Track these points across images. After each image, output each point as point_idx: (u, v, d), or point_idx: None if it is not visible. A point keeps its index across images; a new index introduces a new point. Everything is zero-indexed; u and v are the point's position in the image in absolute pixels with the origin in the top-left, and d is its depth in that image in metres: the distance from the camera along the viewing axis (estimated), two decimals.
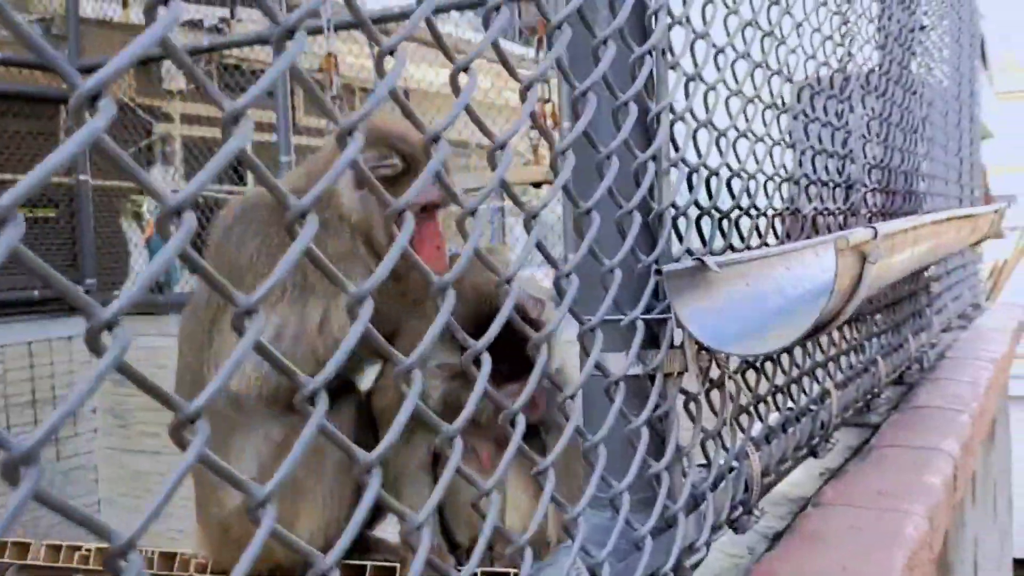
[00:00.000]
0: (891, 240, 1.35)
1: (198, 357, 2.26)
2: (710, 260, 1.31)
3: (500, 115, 5.64)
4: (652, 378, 1.28)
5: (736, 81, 1.60)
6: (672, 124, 1.37)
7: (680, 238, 1.37)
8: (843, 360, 2.22)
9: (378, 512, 2.23)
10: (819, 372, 2.03)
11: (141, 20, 0.68)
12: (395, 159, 2.10)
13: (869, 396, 2.49)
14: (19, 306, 5.66)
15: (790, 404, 1.86)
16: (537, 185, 5.14)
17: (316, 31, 4.78)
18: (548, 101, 4.55)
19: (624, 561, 1.19)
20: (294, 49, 0.71)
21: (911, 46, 2.98)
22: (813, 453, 2.04)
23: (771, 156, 1.76)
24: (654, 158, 1.26)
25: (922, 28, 3.16)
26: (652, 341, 1.28)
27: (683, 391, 1.37)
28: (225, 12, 6.57)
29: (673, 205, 1.34)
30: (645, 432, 1.22)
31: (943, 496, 1.86)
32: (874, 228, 1.20)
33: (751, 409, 1.65)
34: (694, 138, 1.45)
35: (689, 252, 1.35)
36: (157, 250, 6.46)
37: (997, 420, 4.25)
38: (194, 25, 6.28)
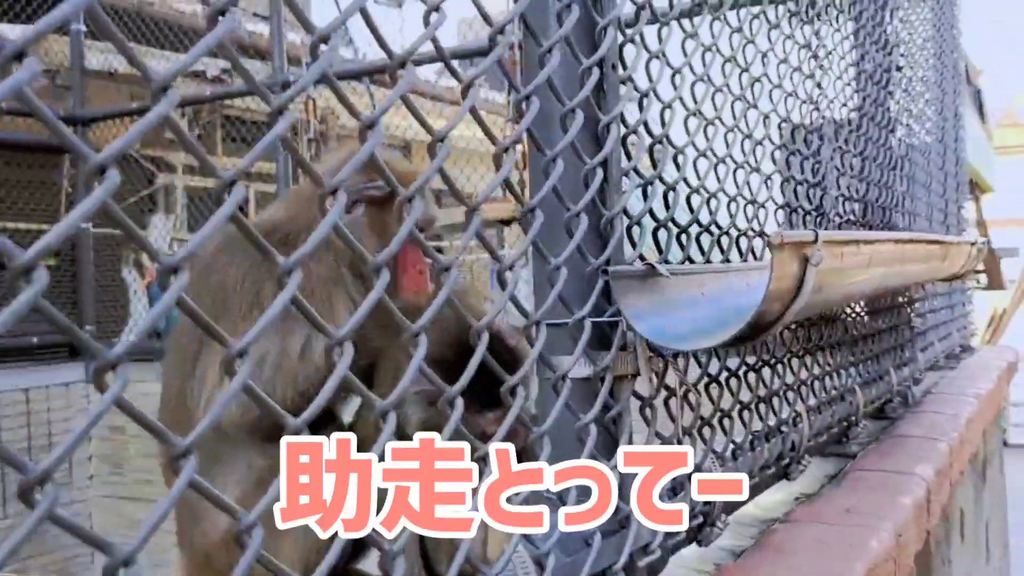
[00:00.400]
0: (839, 249, 1.38)
1: (183, 382, 2.29)
2: (661, 266, 1.35)
3: (482, 163, 5.76)
4: (604, 380, 1.31)
5: (695, 101, 1.65)
6: (625, 136, 1.42)
7: (634, 245, 1.40)
8: (817, 385, 2.24)
9: (361, 545, 2.24)
10: (790, 395, 2.05)
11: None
12: (381, 182, 2.17)
13: (846, 424, 2.50)
14: (16, 352, 5.70)
15: (758, 424, 1.88)
16: (507, 223, 5.16)
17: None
18: (519, 142, 4.64)
19: (572, 557, 1.21)
20: (224, 26, 0.76)
21: (887, 85, 3.03)
22: (785, 475, 2.05)
23: (734, 177, 1.80)
24: (603, 166, 1.30)
25: (899, 69, 3.22)
26: (604, 343, 1.31)
27: (637, 395, 1.39)
28: (227, 63, 6.69)
29: (626, 213, 1.38)
30: (593, 430, 1.24)
31: (912, 515, 1.87)
32: (815, 231, 1.24)
33: (714, 422, 1.67)
34: (650, 152, 1.50)
35: (641, 258, 1.38)
36: (157, 297, 6.52)
37: (989, 461, 4.24)
38: (196, 75, 6.41)
